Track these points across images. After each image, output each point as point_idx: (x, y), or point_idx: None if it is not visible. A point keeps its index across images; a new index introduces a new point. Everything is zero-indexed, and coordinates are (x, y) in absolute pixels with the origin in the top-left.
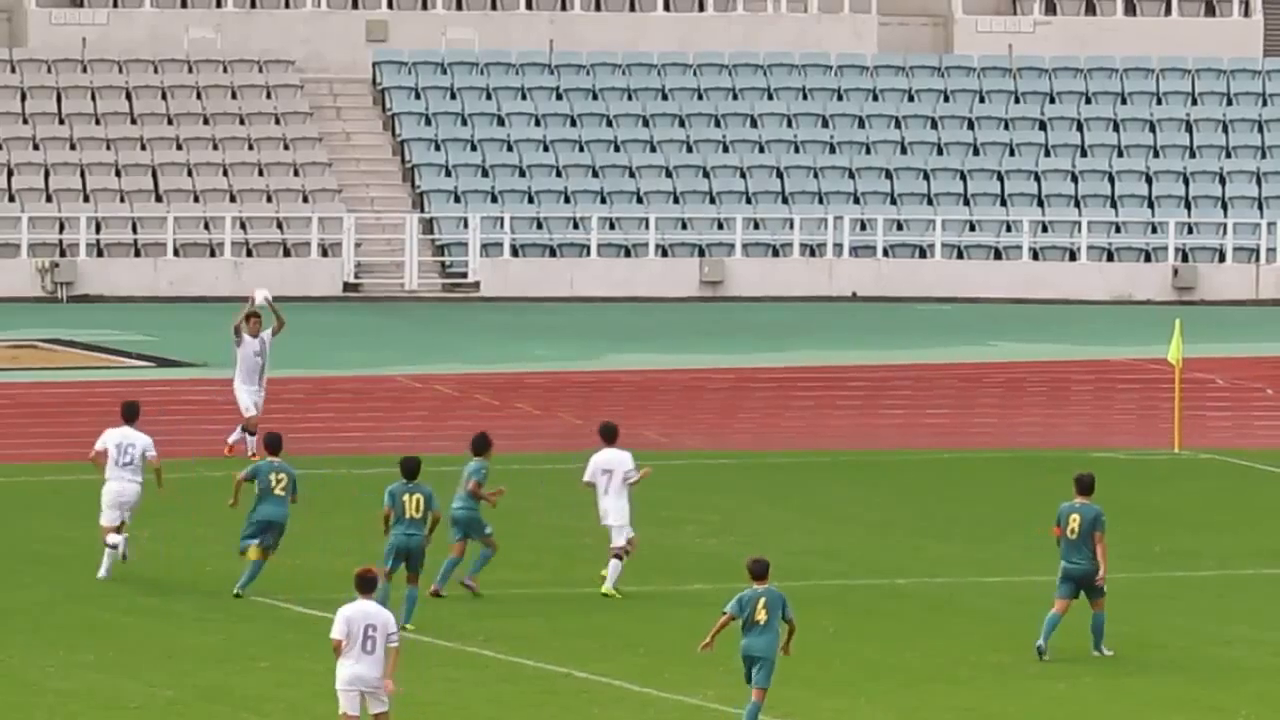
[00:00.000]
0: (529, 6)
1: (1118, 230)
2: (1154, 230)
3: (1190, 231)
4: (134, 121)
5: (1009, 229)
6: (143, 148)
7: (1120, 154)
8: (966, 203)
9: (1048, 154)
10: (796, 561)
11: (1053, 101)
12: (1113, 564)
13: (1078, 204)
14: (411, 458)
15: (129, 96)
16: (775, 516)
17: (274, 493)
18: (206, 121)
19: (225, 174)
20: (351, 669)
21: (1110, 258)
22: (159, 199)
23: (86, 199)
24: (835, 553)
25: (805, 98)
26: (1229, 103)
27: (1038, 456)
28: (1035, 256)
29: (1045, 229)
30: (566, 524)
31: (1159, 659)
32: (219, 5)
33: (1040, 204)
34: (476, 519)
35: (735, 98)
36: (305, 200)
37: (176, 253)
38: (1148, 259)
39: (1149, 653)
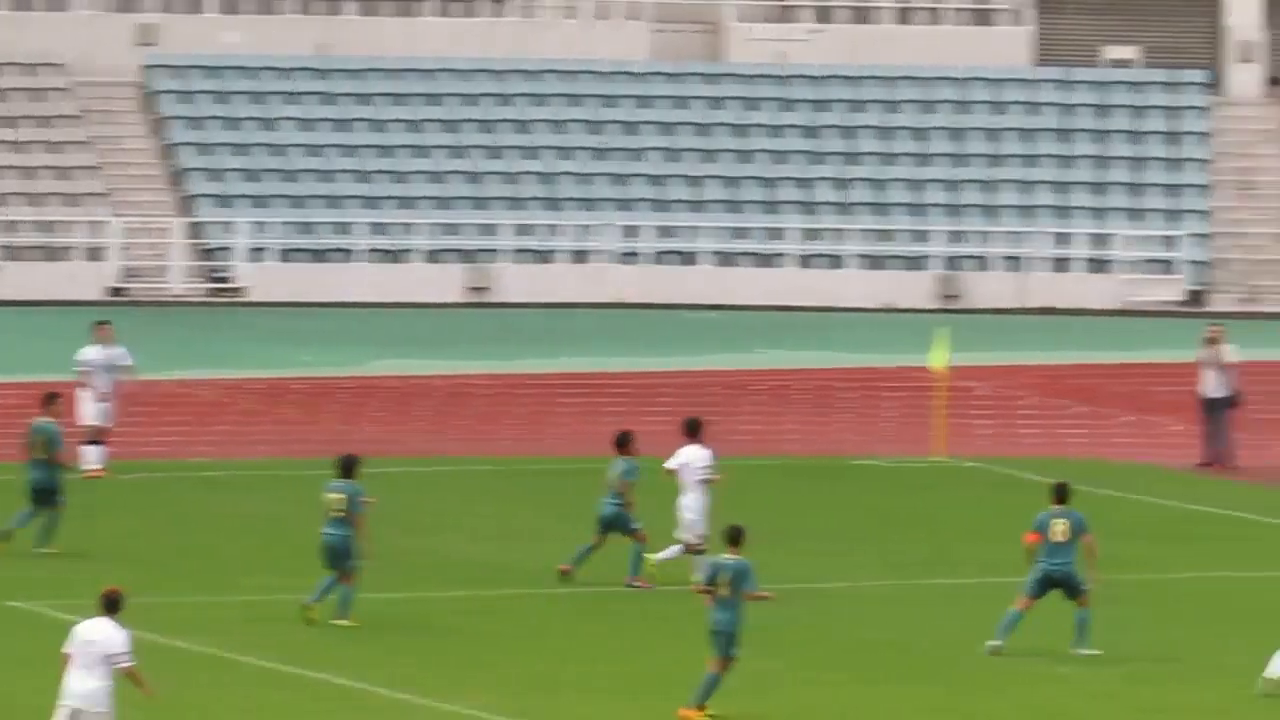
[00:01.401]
0: (299, 11)
1: (884, 238)
2: (920, 239)
3: (956, 240)
4: None
5: (775, 237)
6: None
7: (889, 162)
8: (733, 210)
9: (817, 162)
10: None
11: (823, 110)
12: (875, 571)
13: (844, 211)
14: (344, 456)
15: None
16: (541, 523)
17: None
18: None
19: None
20: (69, 684)
21: (877, 266)
22: None
23: None
24: (600, 559)
25: (575, 104)
26: (998, 112)
27: (802, 464)
28: (802, 264)
29: (812, 236)
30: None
31: (920, 666)
32: None
33: (808, 211)
34: (623, 515)
35: (505, 103)
36: (72, 204)
37: None
38: (913, 267)
39: (910, 660)
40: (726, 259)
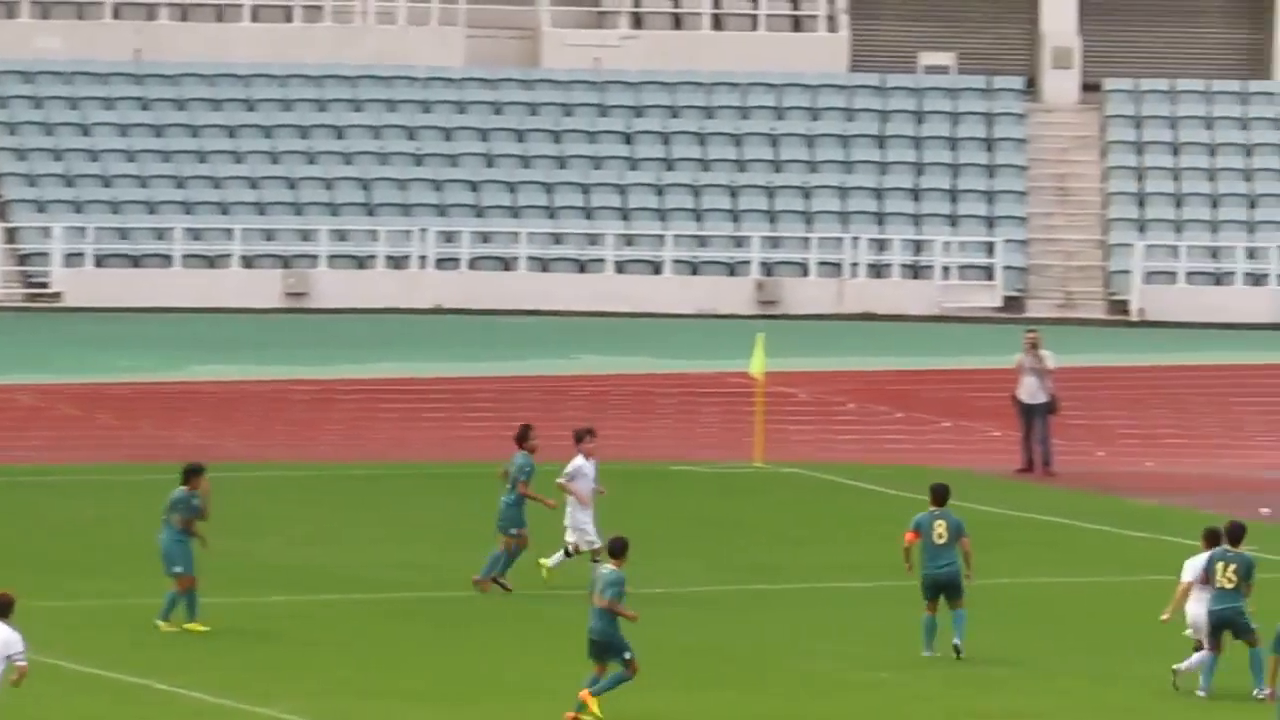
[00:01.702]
0: (115, 16)
1: (702, 244)
2: (738, 244)
3: (774, 246)
4: None
5: (593, 242)
6: None
7: (706, 168)
8: (551, 215)
9: (634, 168)
10: (383, 574)
11: (639, 115)
12: (695, 576)
13: (662, 217)
14: (188, 463)
15: None
16: (361, 528)
17: None
18: None
19: None
20: None
21: (695, 271)
22: None
23: None
24: (421, 565)
25: (392, 110)
26: (814, 118)
27: (622, 469)
28: (619, 270)
29: (630, 242)
30: (143, 535)
31: (740, 672)
32: None
33: (625, 217)
34: (507, 514)
35: (322, 109)
36: None
37: None
38: (732, 273)
39: (730, 666)
40: (544, 264)
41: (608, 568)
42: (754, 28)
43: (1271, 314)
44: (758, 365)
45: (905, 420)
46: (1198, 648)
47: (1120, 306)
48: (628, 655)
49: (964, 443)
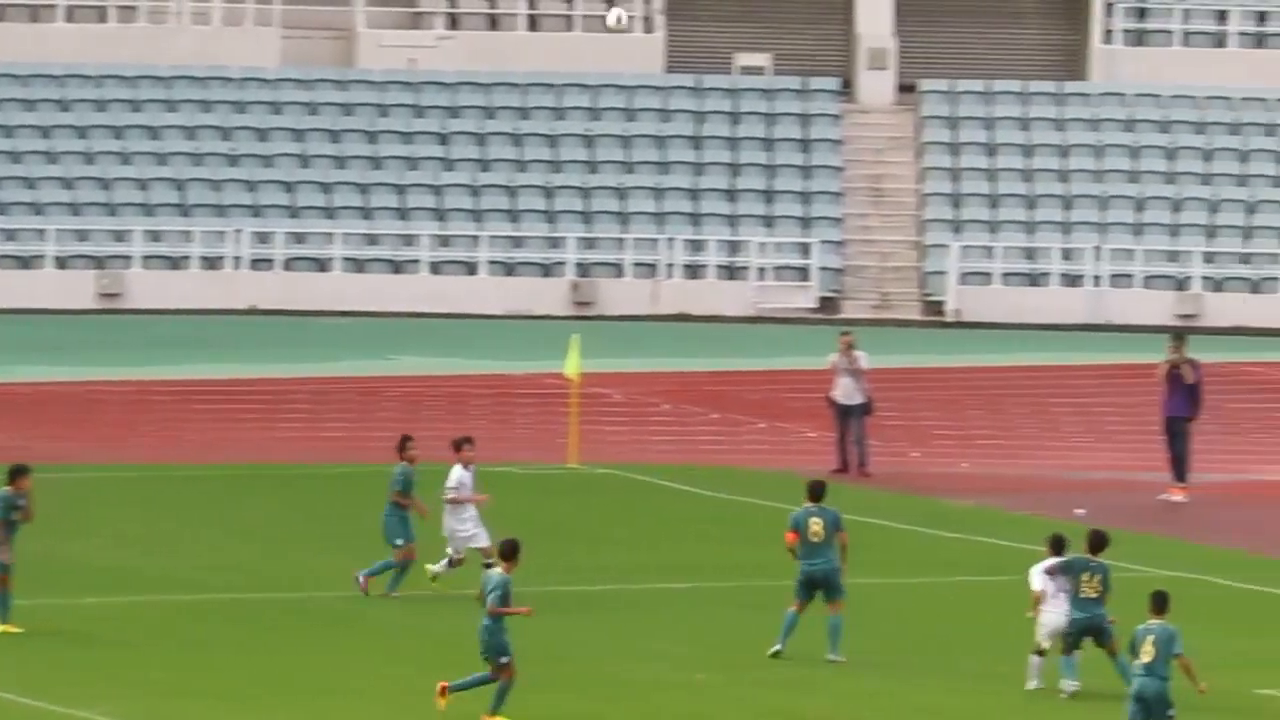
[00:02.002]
0: None
1: (517, 245)
2: (553, 245)
3: (589, 247)
4: None
5: (408, 243)
6: None
7: (522, 169)
8: (366, 216)
9: (449, 169)
10: (199, 575)
11: (454, 116)
12: (515, 579)
13: (477, 218)
14: (13, 465)
15: None
16: (177, 529)
17: None
18: None
19: None
20: None
21: (510, 272)
22: None
23: None
24: (238, 566)
25: (206, 110)
26: (630, 119)
27: (437, 470)
28: (434, 271)
29: (445, 243)
30: None
31: (559, 675)
32: None
33: (440, 218)
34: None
35: (136, 109)
36: None
37: None
38: (547, 274)
39: (550, 668)
40: (359, 265)
41: (496, 571)
42: (569, 29)
43: (1086, 315)
44: (573, 366)
45: (720, 421)
46: (1037, 652)
47: (936, 307)
48: (503, 660)
49: (779, 444)
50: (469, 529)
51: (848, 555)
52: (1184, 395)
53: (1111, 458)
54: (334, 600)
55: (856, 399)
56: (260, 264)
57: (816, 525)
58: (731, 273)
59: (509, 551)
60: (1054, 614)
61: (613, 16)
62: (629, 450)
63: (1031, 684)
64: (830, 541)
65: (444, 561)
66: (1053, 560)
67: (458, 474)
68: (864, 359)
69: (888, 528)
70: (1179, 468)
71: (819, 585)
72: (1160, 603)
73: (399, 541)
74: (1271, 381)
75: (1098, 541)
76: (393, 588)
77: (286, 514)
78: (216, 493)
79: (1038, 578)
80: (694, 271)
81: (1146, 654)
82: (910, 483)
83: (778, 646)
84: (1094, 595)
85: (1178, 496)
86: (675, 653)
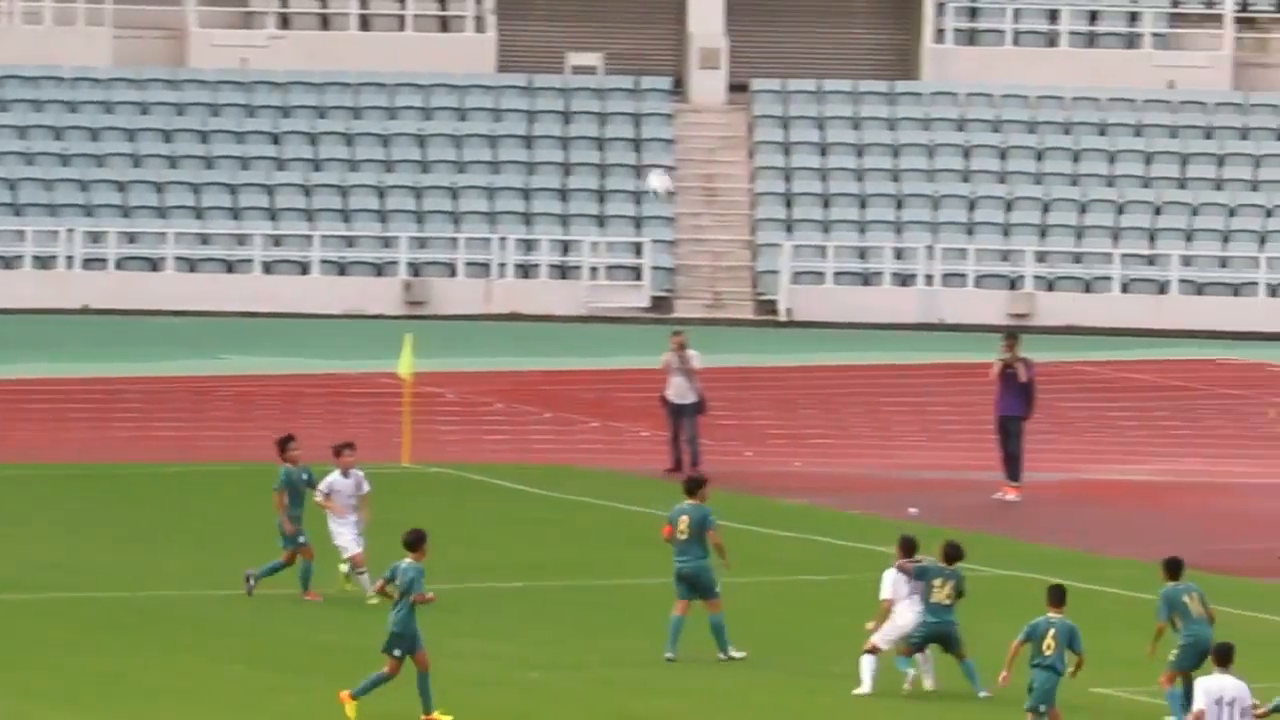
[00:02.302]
0: None
1: (350, 244)
2: (386, 245)
3: (422, 246)
4: None
5: (241, 242)
6: None
7: (354, 169)
8: (199, 216)
9: (281, 168)
10: (31, 575)
11: (286, 115)
12: (341, 576)
13: (310, 218)
14: None
15: None
16: (8, 529)
17: None
18: None
19: None
20: None
21: (342, 271)
22: None
23: None
24: (71, 566)
25: (38, 110)
26: (462, 118)
27: (269, 469)
28: (267, 270)
29: (277, 243)
30: None
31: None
32: None
33: (273, 217)
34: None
35: None
36: None
37: None
38: (379, 273)
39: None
40: (191, 265)
41: (406, 562)
42: (401, 28)
43: (919, 314)
44: (406, 366)
45: (553, 420)
46: (870, 651)
47: (768, 307)
48: (402, 653)
49: (612, 443)
50: (345, 534)
51: (725, 553)
52: (1017, 394)
53: (945, 457)
54: (164, 599)
55: (689, 398)
56: (93, 263)
57: (683, 523)
58: (564, 272)
59: (414, 542)
60: (908, 615)
61: (658, 184)
62: (462, 449)
63: (864, 687)
64: (697, 539)
65: (344, 566)
66: (904, 561)
67: (329, 480)
68: (697, 358)
69: (721, 527)
70: (1012, 467)
71: (687, 582)
72: (1059, 597)
73: (288, 546)
74: (1104, 381)
75: (953, 553)
76: (304, 588)
77: (117, 513)
78: (47, 492)
79: (888, 585)
80: (526, 271)
81: (1049, 647)
82: (743, 482)
83: (669, 654)
84: (946, 602)
85: (1011, 495)
86: (509, 651)
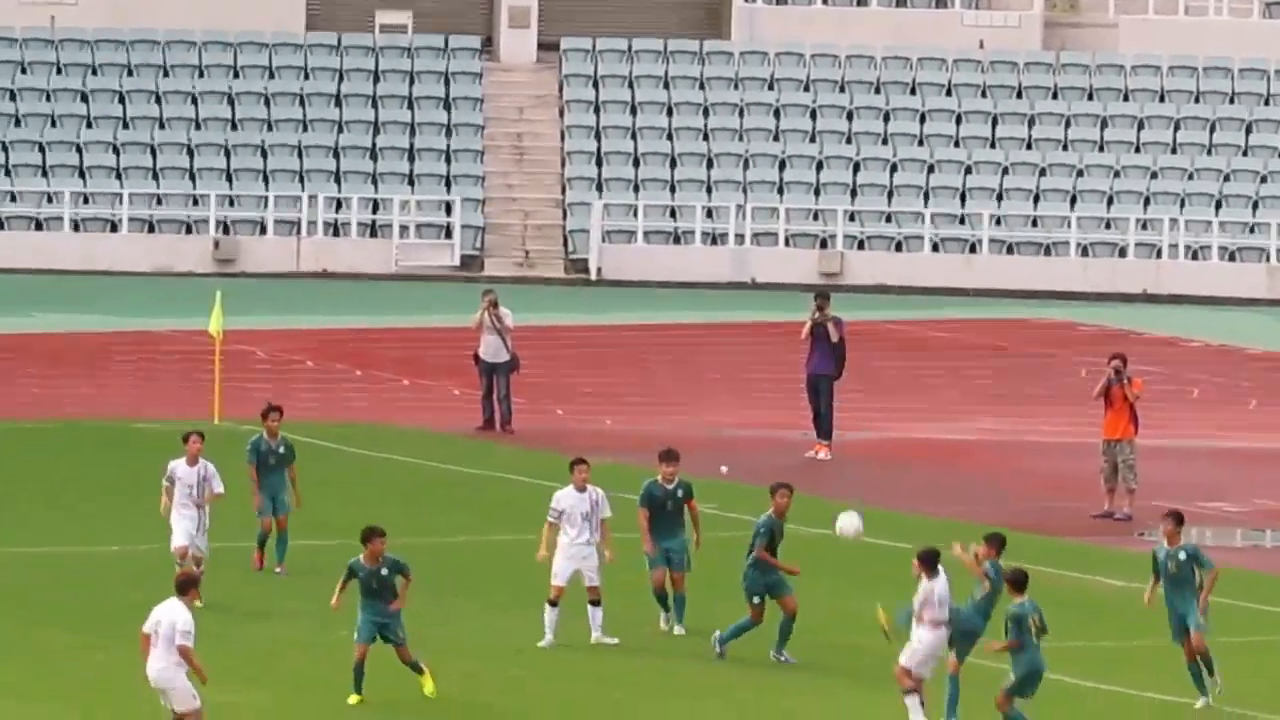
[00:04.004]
0: None
1: (159, 202)
2: (195, 203)
3: (231, 204)
4: None
5: (50, 200)
6: None
7: (163, 126)
8: (7, 173)
9: (90, 125)
10: None
11: (95, 73)
12: (153, 535)
13: (119, 175)
14: None
15: None
16: None
17: None
18: None
19: None
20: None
21: (152, 229)
22: None
23: None
24: None
25: None
26: (271, 76)
27: (82, 426)
28: (76, 228)
29: (87, 200)
30: None
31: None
32: None
33: (82, 175)
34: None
35: None
36: None
37: None
38: (189, 231)
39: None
40: (0, 222)
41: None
42: None
43: (729, 273)
44: (216, 323)
45: (364, 379)
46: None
47: (579, 265)
48: None
49: (423, 401)
50: (181, 526)
51: (699, 525)
52: (827, 353)
53: (756, 415)
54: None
55: (502, 356)
56: None
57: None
58: (374, 230)
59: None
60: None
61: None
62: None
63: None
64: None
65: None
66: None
67: (173, 465)
68: (508, 316)
69: (532, 485)
70: (823, 425)
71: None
72: (1022, 581)
73: (272, 512)
74: (914, 340)
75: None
76: (279, 559)
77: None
78: None
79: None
80: (336, 229)
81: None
82: (555, 440)
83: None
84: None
85: (822, 454)
86: (322, 612)
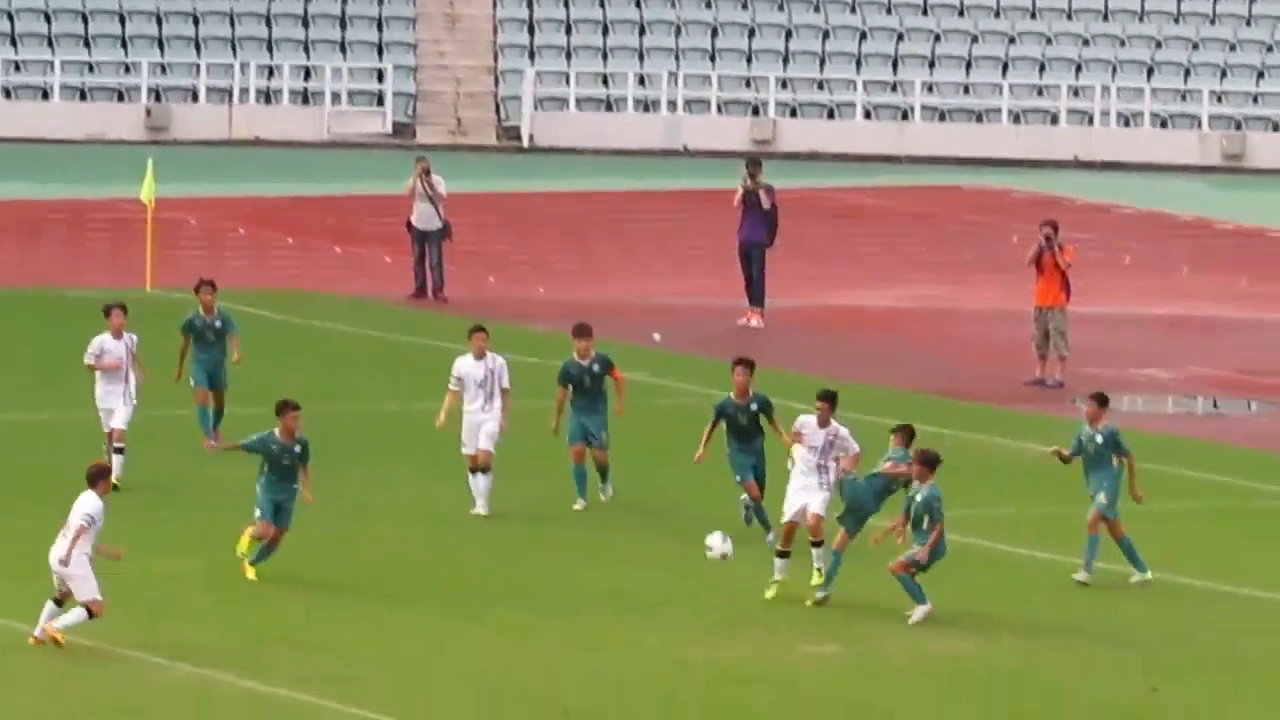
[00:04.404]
0: None
1: (91, 70)
2: (127, 70)
3: (163, 72)
4: None
5: None
6: None
7: None
8: None
9: None
10: None
11: None
12: (78, 400)
13: (51, 44)
14: None
15: None
16: None
17: None
18: None
19: None
20: None
21: (84, 97)
22: None
23: None
24: None
25: None
26: None
27: (14, 294)
28: (7, 95)
29: (18, 68)
30: None
31: (124, 505)
32: None
33: (13, 42)
34: None
35: None
36: None
37: None
38: (121, 99)
39: (118, 499)
40: None
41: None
42: None
43: (663, 141)
44: (148, 191)
45: (297, 246)
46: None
47: (511, 133)
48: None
49: (356, 269)
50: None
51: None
52: (760, 221)
53: (689, 283)
54: None
55: (435, 224)
56: None
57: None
58: (306, 98)
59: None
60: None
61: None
62: (205, 274)
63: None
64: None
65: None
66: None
67: (100, 339)
68: (441, 184)
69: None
70: (755, 292)
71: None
72: (935, 463)
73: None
74: (846, 207)
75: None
76: (214, 428)
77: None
78: None
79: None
80: (268, 96)
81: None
82: (487, 308)
83: (579, 504)
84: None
85: (754, 321)
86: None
